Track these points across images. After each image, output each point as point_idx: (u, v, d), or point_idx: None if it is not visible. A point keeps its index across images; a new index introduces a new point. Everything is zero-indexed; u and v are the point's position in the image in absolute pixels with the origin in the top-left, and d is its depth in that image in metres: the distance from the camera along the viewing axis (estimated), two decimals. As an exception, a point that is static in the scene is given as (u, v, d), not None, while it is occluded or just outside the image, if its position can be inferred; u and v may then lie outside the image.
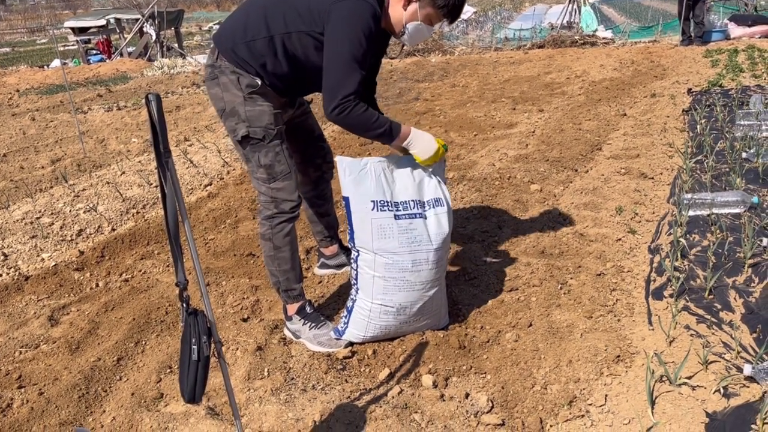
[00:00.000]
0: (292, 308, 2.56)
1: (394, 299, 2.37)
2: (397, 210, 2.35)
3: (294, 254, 2.51)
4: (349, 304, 2.47)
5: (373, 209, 2.31)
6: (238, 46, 2.31)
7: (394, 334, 2.48)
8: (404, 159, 2.43)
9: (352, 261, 2.44)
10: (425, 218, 2.39)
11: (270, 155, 2.37)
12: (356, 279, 2.43)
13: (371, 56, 2.30)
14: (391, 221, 2.32)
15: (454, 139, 5.58)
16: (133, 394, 2.32)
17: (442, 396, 2.18)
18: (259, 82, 2.32)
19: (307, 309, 2.55)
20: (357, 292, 2.44)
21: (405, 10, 2.26)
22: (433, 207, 2.41)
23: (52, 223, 4.06)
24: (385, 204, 2.33)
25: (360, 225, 2.33)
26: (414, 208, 2.38)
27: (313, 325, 2.52)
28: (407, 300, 2.38)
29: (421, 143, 2.34)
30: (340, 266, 3.08)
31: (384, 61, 2.50)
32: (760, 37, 10.21)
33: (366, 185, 2.32)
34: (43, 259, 3.59)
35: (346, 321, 2.47)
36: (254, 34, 2.29)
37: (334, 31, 2.18)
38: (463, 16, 15.90)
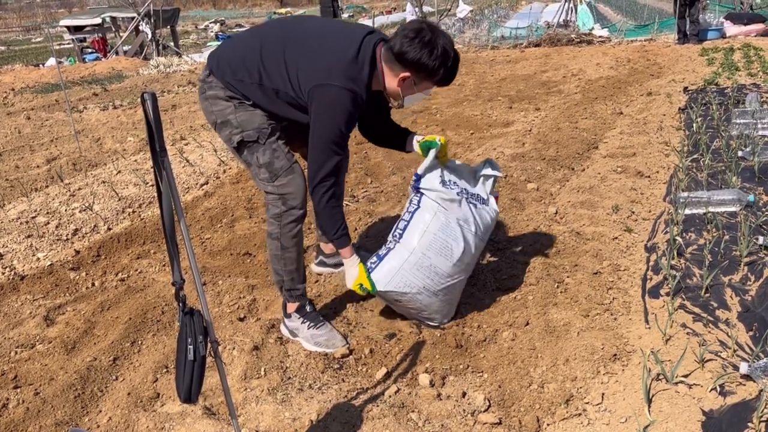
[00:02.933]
0: (292, 306, 2.56)
1: (433, 259, 2.43)
2: (459, 189, 2.54)
3: (300, 255, 2.52)
4: (383, 251, 2.50)
5: (440, 183, 2.50)
6: (228, 78, 2.36)
7: (408, 302, 2.48)
8: (454, 163, 2.64)
9: (407, 207, 2.53)
10: (475, 206, 2.56)
11: (267, 153, 2.38)
12: (404, 229, 2.48)
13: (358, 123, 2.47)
14: (453, 194, 2.49)
15: (451, 137, 5.58)
16: (129, 393, 2.31)
17: (439, 395, 2.18)
18: (248, 103, 2.38)
19: (307, 308, 2.56)
20: (398, 241, 2.48)
21: (400, 87, 2.32)
22: (481, 203, 2.60)
23: (48, 223, 4.04)
24: (451, 182, 2.53)
25: (429, 173, 2.49)
26: (468, 195, 2.57)
27: (312, 324, 2.52)
28: (441, 268, 2.45)
29: (348, 271, 2.44)
30: (337, 265, 3.05)
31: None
32: (755, 36, 10.23)
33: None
34: (38, 259, 3.58)
35: (375, 263, 2.46)
36: (247, 76, 2.33)
37: (317, 116, 2.27)
38: (460, 14, 15.93)
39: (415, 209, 2.49)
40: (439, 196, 2.46)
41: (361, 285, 2.39)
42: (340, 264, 3.01)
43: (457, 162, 2.67)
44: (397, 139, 2.66)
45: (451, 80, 2.34)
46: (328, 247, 3.06)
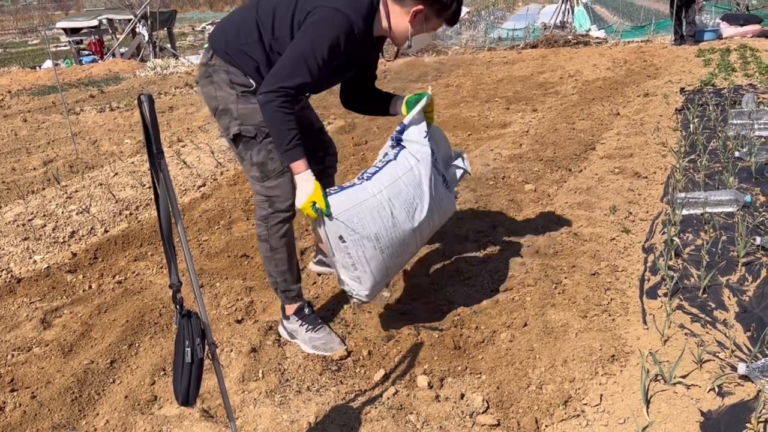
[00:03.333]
0: (291, 308, 2.54)
1: (396, 210, 2.28)
2: (436, 156, 2.46)
3: (291, 255, 2.49)
4: (347, 184, 2.31)
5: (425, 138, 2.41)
6: (231, 49, 2.30)
7: (351, 247, 2.25)
8: (439, 132, 2.59)
9: (380, 157, 2.41)
10: (443, 185, 2.48)
11: (263, 153, 2.34)
12: (373, 173, 2.32)
13: (337, 67, 2.27)
14: (429, 154, 2.39)
15: (449, 139, 5.58)
16: (126, 396, 2.30)
17: (437, 397, 2.17)
18: (253, 83, 2.31)
19: (306, 311, 2.53)
20: (366, 180, 2.30)
21: (411, 24, 2.27)
22: (446, 188, 2.53)
23: (45, 225, 4.04)
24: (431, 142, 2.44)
25: (414, 125, 2.39)
26: (439, 168, 2.49)
27: (310, 327, 2.50)
28: (401, 223, 2.30)
29: (301, 187, 2.22)
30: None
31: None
32: (752, 37, 10.25)
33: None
34: (35, 261, 3.57)
35: (336, 190, 2.26)
36: (246, 38, 2.29)
37: (305, 28, 2.17)
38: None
39: (390, 160, 2.36)
40: (419, 151, 2.35)
41: (314, 204, 2.15)
42: None
43: (442, 133, 2.61)
44: (381, 101, 2.59)
45: (457, 20, 2.33)
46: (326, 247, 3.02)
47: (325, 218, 2.20)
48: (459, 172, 2.62)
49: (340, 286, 2.40)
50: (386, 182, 2.30)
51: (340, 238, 2.23)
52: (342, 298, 2.85)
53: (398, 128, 2.41)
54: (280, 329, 2.61)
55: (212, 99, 2.36)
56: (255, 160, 2.35)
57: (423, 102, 2.40)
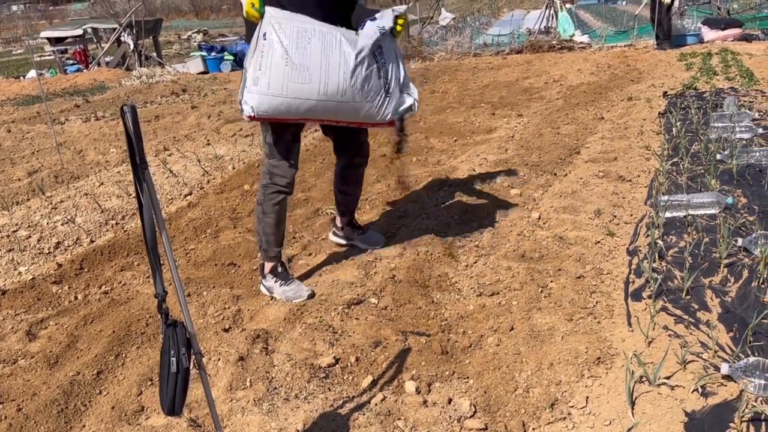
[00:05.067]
0: (268, 267, 3.02)
1: (314, 40, 2.59)
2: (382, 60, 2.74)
3: (279, 223, 2.95)
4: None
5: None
6: None
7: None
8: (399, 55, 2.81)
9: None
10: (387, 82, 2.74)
11: (272, 135, 2.82)
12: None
13: None
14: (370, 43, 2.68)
15: (435, 145, 5.61)
16: (113, 407, 2.29)
17: (425, 402, 2.18)
18: None
19: (279, 269, 3.00)
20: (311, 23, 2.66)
21: None
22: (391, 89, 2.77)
23: (29, 236, 4.01)
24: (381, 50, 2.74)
25: (373, 23, 2.69)
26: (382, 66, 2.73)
27: (283, 282, 2.98)
28: (315, 53, 2.57)
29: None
30: (346, 239, 3.50)
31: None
32: (733, 41, 10.39)
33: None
34: (20, 273, 3.54)
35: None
36: None
37: None
38: (442, 22, 16.01)
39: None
40: (365, 32, 2.66)
41: (253, 5, 2.54)
42: (349, 239, 3.49)
43: (401, 55, 2.82)
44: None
45: None
46: (339, 221, 3.48)
47: (261, 15, 2.58)
48: (408, 101, 2.81)
49: (239, 104, 2.66)
50: (324, 28, 2.63)
51: (264, 35, 2.57)
52: (329, 306, 2.85)
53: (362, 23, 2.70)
54: (261, 287, 3.06)
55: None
56: (268, 140, 2.86)
57: (399, 9, 2.70)
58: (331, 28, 2.63)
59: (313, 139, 5.96)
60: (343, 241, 3.50)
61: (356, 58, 2.60)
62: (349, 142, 3.13)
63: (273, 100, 2.57)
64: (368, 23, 2.68)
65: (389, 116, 2.76)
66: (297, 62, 2.53)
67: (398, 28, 2.71)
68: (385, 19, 2.70)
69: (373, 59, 2.65)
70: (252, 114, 2.60)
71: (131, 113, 1.38)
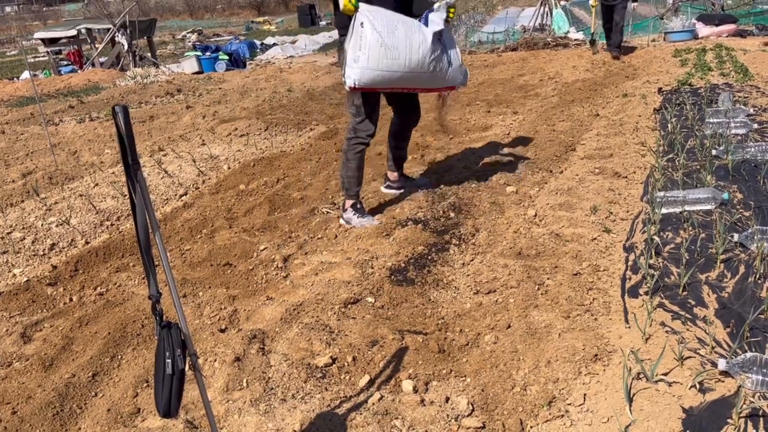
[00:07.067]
0: (348, 203, 3.77)
1: (400, 29, 3.38)
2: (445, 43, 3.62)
3: (358, 168, 3.72)
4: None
5: None
6: None
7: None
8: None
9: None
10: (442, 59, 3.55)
11: (361, 99, 3.55)
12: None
13: None
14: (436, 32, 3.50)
15: (431, 143, 5.60)
16: (109, 410, 2.28)
17: (422, 401, 2.17)
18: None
19: (358, 206, 3.78)
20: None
21: None
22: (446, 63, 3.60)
23: (24, 238, 3.99)
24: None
25: (435, 14, 3.51)
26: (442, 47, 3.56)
27: (360, 215, 3.75)
28: (401, 37, 3.35)
29: None
30: (400, 188, 4.23)
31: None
32: (727, 36, 10.41)
33: None
34: (14, 275, 3.52)
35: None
36: None
37: None
38: (437, 20, 16.03)
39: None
40: (433, 20, 3.46)
41: (351, 1, 3.28)
42: (401, 187, 4.21)
43: (453, 37, 3.65)
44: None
45: None
46: (392, 175, 4.23)
47: (356, 9, 3.32)
48: (464, 69, 3.72)
49: (342, 78, 3.43)
50: (403, 18, 3.43)
51: (361, 24, 3.29)
52: (326, 306, 2.84)
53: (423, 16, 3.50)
54: (341, 220, 3.78)
55: (340, 55, 3.52)
56: (355, 102, 3.58)
57: (450, 0, 3.47)
58: (407, 18, 3.43)
59: (308, 138, 5.95)
60: (397, 191, 4.20)
61: (430, 40, 3.38)
62: (409, 106, 3.97)
63: (371, 73, 3.32)
64: (432, 13, 3.48)
65: (452, 82, 3.65)
66: (389, 44, 3.28)
67: (450, 15, 3.49)
68: (442, 9, 3.48)
69: (439, 40, 3.46)
70: (353, 85, 3.34)
71: (123, 113, 1.37)
